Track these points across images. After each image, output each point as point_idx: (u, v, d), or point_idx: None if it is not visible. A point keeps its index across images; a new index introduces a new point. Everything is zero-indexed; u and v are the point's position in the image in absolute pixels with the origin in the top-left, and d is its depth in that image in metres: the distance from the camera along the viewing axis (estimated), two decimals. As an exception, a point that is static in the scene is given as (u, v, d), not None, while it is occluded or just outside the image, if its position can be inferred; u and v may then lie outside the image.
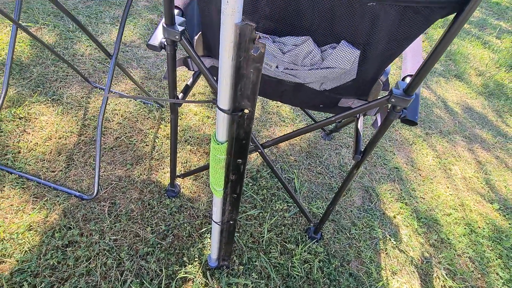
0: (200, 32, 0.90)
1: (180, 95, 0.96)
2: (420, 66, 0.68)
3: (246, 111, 0.55)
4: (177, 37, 0.76)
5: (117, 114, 1.50)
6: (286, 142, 1.61)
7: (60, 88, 1.54)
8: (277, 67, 0.79)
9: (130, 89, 1.66)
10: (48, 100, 1.47)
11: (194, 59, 0.82)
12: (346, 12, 0.64)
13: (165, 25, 0.76)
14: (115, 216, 1.14)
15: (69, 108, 1.46)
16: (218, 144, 0.60)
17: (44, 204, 1.11)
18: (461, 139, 1.96)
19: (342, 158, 1.60)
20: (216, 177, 0.68)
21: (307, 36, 0.70)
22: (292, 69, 0.78)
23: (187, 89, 0.98)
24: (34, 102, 1.44)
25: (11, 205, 1.09)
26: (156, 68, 1.84)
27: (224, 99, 0.53)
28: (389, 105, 0.77)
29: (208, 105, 1.69)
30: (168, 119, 1.56)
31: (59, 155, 1.27)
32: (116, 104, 1.55)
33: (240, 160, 0.65)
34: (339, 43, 0.71)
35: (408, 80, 0.83)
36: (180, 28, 0.76)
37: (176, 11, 0.87)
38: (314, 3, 0.64)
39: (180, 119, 1.56)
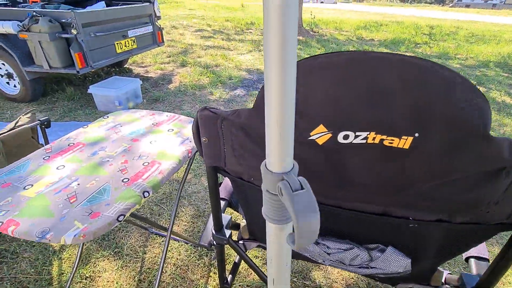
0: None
1: (229, 277, 0.98)
2: (487, 271, 0.62)
3: None
4: (225, 241, 0.82)
5: (169, 263, 1.55)
6: None
7: (122, 239, 1.69)
8: (323, 261, 0.79)
9: (182, 231, 1.75)
10: (111, 254, 1.60)
11: (242, 257, 0.85)
12: (387, 229, 0.64)
13: (214, 232, 0.83)
14: None
15: (128, 261, 1.56)
16: None
17: None
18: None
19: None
20: None
21: (352, 245, 0.70)
22: (339, 265, 0.77)
23: (235, 269, 1.00)
24: (99, 258, 1.58)
25: None
26: (205, 203, 1.97)
27: None
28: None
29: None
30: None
31: (116, 321, 1.30)
32: (169, 251, 1.62)
33: None
34: (387, 246, 0.69)
35: (472, 263, 0.76)
36: (228, 233, 0.82)
37: (222, 203, 0.96)
38: (350, 222, 0.66)
39: (228, 263, 1.56)
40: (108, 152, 1.06)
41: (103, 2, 3.72)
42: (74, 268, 1.37)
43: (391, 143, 0.48)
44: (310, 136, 0.52)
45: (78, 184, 0.89)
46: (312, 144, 0.53)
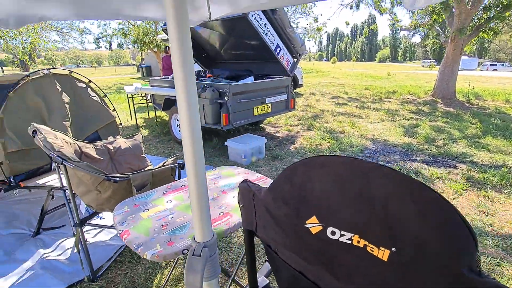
0: None
1: None
2: None
3: None
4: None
5: (235, 313, 1.64)
6: None
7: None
8: None
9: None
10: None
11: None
12: None
13: (248, 290, 0.91)
14: None
15: None
16: None
17: None
18: None
19: None
20: None
21: None
22: None
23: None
24: (186, 284, 1.86)
25: None
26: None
27: None
28: None
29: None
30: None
31: None
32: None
33: None
34: None
35: None
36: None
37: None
38: None
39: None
40: (201, 197, 1.35)
41: (252, 77, 4.71)
42: (164, 284, 1.69)
43: (372, 250, 0.48)
44: (306, 224, 0.58)
45: (172, 217, 1.20)
46: (307, 232, 0.58)
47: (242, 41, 4.98)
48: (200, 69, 6.25)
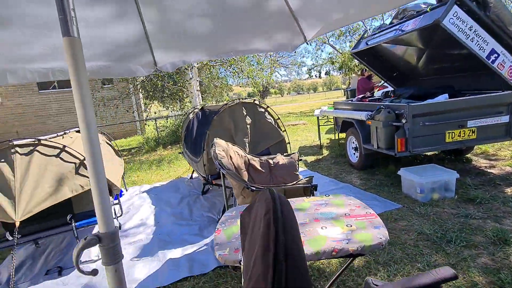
0: None
1: None
2: None
3: None
4: None
5: None
6: None
7: None
8: None
9: None
10: None
11: None
12: None
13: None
14: None
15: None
16: None
17: None
18: None
19: None
20: None
21: None
22: None
23: None
24: None
25: None
26: None
27: None
28: None
29: None
30: None
31: None
32: None
33: None
34: None
35: None
36: None
37: None
38: None
39: None
40: (292, 220, 1.34)
41: (446, 95, 3.73)
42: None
43: None
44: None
45: (256, 230, 1.28)
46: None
47: (441, 52, 4.11)
48: (391, 89, 5.75)
